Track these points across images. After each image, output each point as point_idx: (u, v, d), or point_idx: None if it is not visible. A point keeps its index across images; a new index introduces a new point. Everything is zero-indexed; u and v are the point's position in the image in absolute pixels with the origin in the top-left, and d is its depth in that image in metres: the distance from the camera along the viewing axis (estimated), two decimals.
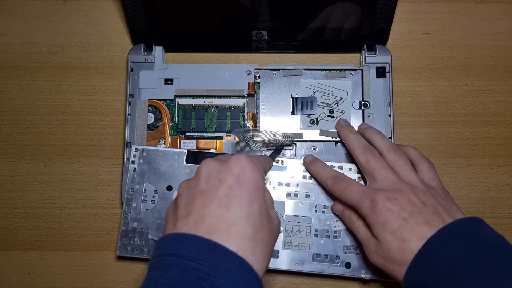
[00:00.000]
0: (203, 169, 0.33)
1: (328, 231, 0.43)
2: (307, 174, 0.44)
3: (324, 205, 0.44)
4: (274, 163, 0.44)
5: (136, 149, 0.45)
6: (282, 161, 0.45)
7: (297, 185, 0.44)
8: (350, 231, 0.43)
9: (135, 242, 0.44)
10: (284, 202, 0.44)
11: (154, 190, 0.44)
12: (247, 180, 0.32)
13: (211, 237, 0.30)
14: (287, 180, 0.44)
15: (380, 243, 0.37)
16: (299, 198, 0.44)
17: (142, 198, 0.44)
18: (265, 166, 0.39)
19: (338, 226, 0.43)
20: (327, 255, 0.43)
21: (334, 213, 0.43)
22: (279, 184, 0.44)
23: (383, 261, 0.37)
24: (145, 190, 0.44)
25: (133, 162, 0.44)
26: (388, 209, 0.37)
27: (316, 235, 0.43)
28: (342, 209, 0.42)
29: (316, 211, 0.44)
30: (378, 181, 0.39)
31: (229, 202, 0.31)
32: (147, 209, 0.44)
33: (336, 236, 0.43)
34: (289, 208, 0.44)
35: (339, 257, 0.43)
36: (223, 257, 0.29)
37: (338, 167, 0.44)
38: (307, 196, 0.44)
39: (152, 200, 0.44)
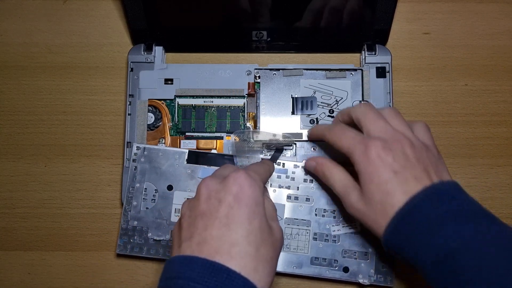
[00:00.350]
0: (203, 189, 0.34)
1: (327, 235, 0.43)
2: (308, 178, 0.44)
3: (324, 209, 0.44)
4: (276, 165, 0.44)
5: (138, 148, 0.45)
6: (284, 164, 0.45)
7: (298, 188, 0.44)
8: (348, 236, 0.43)
9: (135, 241, 0.44)
10: (284, 205, 0.44)
11: (155, 189, 0.44)
12: (245, 198, 0.33)
13: (214, 258, 0.31)
14: (287, 183, 0.44)
15: (364, 193, 0.36)
16: (299, 201, 0.44)
17: (143, 197, 0.44)
18: (264, 176, 0.39)
19: (338, 230, 0.43)
20: (326, 258, 0.43)
21: (307, 172, 0.43)
22: (280, 186, 0.44)
23: (361, 213, 0.37)
24: (145, 189, 0.44)
25: (134, 160, 0.44)
26: (381, 158, 0.36)
27: (315, 239, 0.43)
28: (315, 165, 0.42)
29: (316, 214, 0.44)
30: (375, 131, 0.37)
31: (229, 222, 0.32)
32: (147, 208, 0.44)
33: (335, 240, 0.43)
34: (289, 211, 0.44)
35: (337, 261, 0.43)
36: (227, 278, 0.30)
37: None
38: (308, 199, 0.44)
39: (152, 199, 0.44)
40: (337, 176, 0.40)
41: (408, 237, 0.34)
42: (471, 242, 0.32)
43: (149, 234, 0.44)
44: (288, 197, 0.44)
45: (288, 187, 0.44)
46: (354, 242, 0.43)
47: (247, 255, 0.31)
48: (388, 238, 0.35)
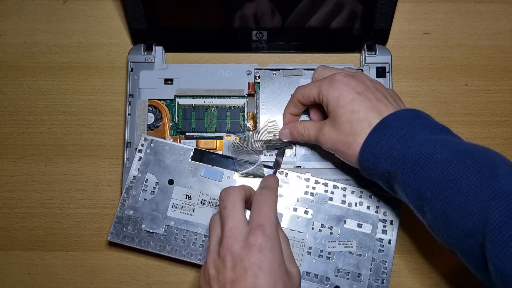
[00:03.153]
0: (227, 256, 0.34)
1: (321, 251, 0.43)
2: (309, 190, 0.44)
3: (322, 224, 0.43)
4: (278, 175, 0.44)
5: (145, 139, 0.45)
6: (286, 173, 0.44)
7: (298, 199, 0.44)
8: (343, 255, 0.43)
9: (128, 230, 0.44)
10: (282, 215, 0.44)
11: (156, 182, 0.44)
12: (268, 265, 0.34)
13: None
14: (288, 193, 0.44)
15: (333, 121, 0.39)
16: (297, 213, 0.44)
17: (143, 187, 0.44)
18: (276, 215, 0.38)
19: (333, 247, 0.43)
20: (317, 275, 0.43)
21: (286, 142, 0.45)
22: (280, 196, 0.44)
23: (334, 140, 0.40)
24: (146, 180, 0.44)
25: (140, 150, 0.44)
26: (344, 83, 0.39)
27: (309, 253, 0.43)
28: (289, 130, 0.44)
29: (312, 228, 0.43)
30: (336, 72, 0.41)
31: None
32: (145, 199, 0.44)
33: (329, 257, 0.43)
34: (286, 221, 0.44)
35: (329, 279, 0.42)
36: None
37: (350, 190, 0.44)
38: (306, 212, 0.44)
39: (152, 191, 0.44)
40: (308, 124, 0.43)
41: (383, 148, 0.36)
42: (442, 146, 0.35)
43: (143, 226, 0.43)
44: (287, 207, 0.44)
45: (288, 198, 0.44)
46: (348, 261, 0.43)
47: None
48: (364, 152, 0.37)
